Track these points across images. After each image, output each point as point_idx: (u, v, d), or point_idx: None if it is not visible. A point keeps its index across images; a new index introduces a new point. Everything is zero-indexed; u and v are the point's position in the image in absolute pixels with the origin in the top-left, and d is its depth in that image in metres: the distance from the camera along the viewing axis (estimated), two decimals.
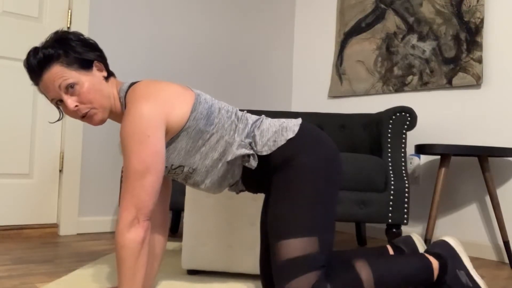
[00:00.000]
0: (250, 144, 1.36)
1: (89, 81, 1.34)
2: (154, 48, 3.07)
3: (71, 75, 1.32)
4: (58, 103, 1.36)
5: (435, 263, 1.37)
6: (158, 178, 1.26)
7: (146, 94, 1.29)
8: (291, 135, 1.35)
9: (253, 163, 1.34)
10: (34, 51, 1.34)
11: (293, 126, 1.38)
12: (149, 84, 1.34)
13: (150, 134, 1.24)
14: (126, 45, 2.95)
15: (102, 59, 1.40)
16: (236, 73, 3.48)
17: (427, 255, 1.40)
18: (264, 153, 1.34)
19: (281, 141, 1.34)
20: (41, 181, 2.68)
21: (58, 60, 1.32)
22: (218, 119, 1.36)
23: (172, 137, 1.33)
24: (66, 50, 1.33)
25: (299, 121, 1.41)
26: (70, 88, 1.32)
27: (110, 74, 1.42)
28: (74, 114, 1.35)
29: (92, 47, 1.39)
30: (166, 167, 1.38)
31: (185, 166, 1.37)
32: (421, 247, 1.59)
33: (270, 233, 1.30)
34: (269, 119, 1.45)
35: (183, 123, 1.31)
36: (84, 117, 1.36)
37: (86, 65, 1.35)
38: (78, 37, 1.37)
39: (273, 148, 1.34)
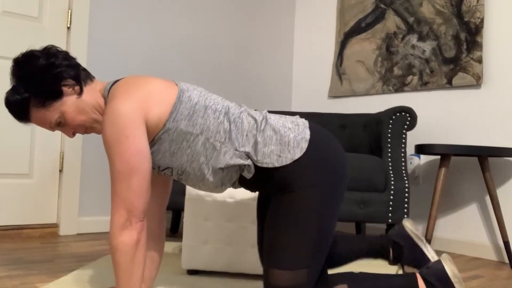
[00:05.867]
0: (247, 154, 1.27)
1: (68, 108, 1.32)
2: (153, 48, 3.07)
3: (51, 114, 1.32)
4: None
5: None
6: (144, 177, 1.22)
7: (123, 92, 1.24)
8: (298, 154, 1.26)
9: (248, 175, 1.28)
10: (6, 103, 1.32)
11: (301, 141, 1.28)
12: (128, 81, 1.29)
13: (129, 134, 1.20)
14: (126, 44, 2.95)
15: (67, 73, 1.32)
16: (236, 73, 3.48)
17: (418, 279, 1.38)
18: (265, 166, 1.26)
19: (286, 160, 1.25)
20: (41, 181, 2.68)
21: (31, 103, 1.31)
22: (203, 119, 1.27)
23: (153, 138, 1.27)
24: (32, 91, 1.30)
25: (306, 131, 1.31)
26: (59, 123, 1.34)
27: (83, 84, 1.35)
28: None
29: (51, 70, 1.30)
30: (153, 168, 1.34)
31: (173, 168, 1.31)
32: (415, 237, 1.57)
33: (265, 254, 1.29)
34: (273, 119, 1.33)
35: (162, 123, 1.25)
36: (86, 132, 1.39)
37: (58, 96, 1.31)
38: (35, 67, 1.29)
39: (276, 164, 1.25)
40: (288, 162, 1.25)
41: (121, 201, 1.21)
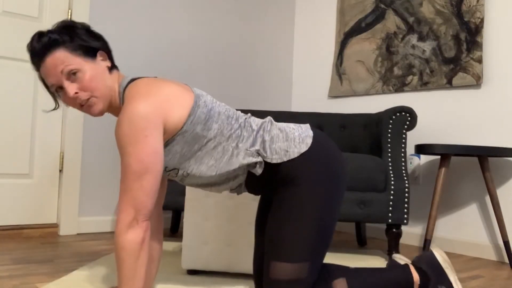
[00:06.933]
0: (257, 152, 1.32)
1: (92, 69, 1.32)
2: (154, 47, 3.07)
3: (74, 61, 1.30)
4: (58, 90, 1.34)
5: (416, 278, 1.38)
6: (156, 178, 1.24)
7: (145, 93, 1.26)
8: (304, 148, 1.32)
9: (259, 170, 1.32)
10: (39, 35, 1.32)
11: (305, 138, 1.34)
12: (149, 82, 1.31)
13: (148, 134, 1.21)
14: (126, 44, 2.95)
15: (107, 49, 1.39)
16: (236, 73, 3.48)
17: (411, 268, 1.39)
18: (274, 161, 1.30)
19: (294, 154, 1.31)
20: (41, 181, 2.68)
21: (63, 45, 1.30)
22: (217, 124, 1.31)
23: (167, 140, 1.29)
24: (71, 36, 1.32)
25: (309, 131, 1.38)
26: (72, 74, 1.30)
27: (114, 66, 1.40)
28: (73, 101, 1.32)
29: (98, 37, 1.37)
30: None
31: (179, 169, 1.33)
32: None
33: (267, 248, 1.31)
34: (276, 123, 1.41)
35: (180, 126, 1.27)
36: (83, 106, 1.34)
37: (90, 53, 1.33)
38: (85, 26, 1.36)
39: (284, 159, 1.30)
40: (295, 156, 1.30)
41: (130, 200, 1.21)
